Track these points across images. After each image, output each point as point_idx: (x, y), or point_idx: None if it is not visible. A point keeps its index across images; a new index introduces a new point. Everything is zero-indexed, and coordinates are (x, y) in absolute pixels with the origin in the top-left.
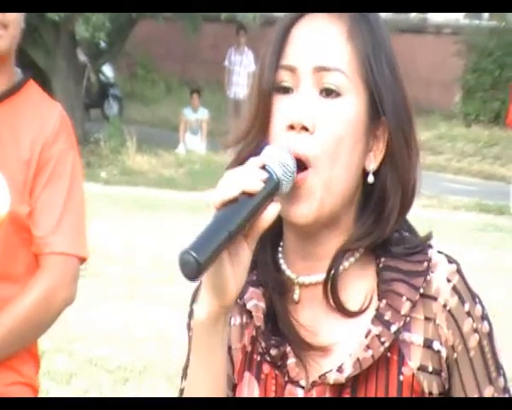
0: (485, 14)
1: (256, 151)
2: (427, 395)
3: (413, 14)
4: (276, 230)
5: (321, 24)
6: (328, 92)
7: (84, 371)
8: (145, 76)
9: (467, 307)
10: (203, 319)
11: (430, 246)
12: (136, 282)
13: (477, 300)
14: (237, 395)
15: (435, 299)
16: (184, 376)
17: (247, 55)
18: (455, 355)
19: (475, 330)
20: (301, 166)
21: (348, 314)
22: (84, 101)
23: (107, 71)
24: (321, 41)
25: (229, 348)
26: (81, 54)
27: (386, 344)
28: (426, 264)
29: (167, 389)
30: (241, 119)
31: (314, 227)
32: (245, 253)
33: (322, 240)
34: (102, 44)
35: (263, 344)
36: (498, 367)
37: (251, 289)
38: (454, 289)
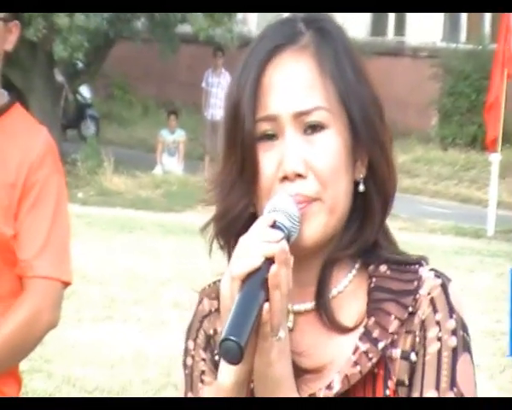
0: (462, 38)
1: (249, 204)
2: None
3: (390, 37)
4: None
5: (289, 65)
6: (313, 129)
7: (63, 391)
8: (122, 97)
9: (438, 316)
10: (231, 385)
11: (421, 264)
12: (114, 302)
13: (454, 316)
14: None
15: (416, 313)
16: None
17: (224, 77)
18: (414, 358)
19: (439, 339)
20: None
21: (344, 331)
22: (61, 121)
23: (85, 91)
24: (295, 85)
25: None
26: (58, 74)
27: (374, 360)
28: (416, 283)
29: None
30: (221, 173)
31: (314, 248)
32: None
33: (309, 265)
34: (80, 65)
35: None
36: (452, 385)
37: None
38: (431, 300)
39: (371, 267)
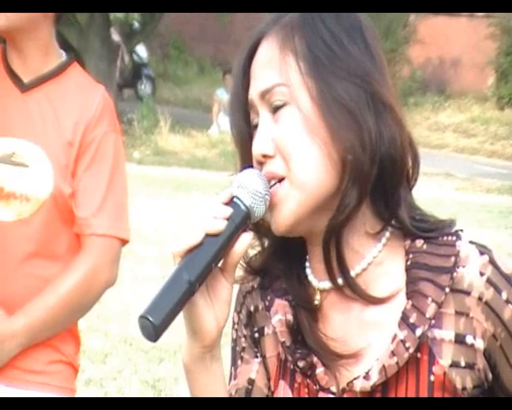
0: None
1: None
2: (459, 392)
3: None
4: (300, 242)
5: (262, 49)
6: (277, 108)
7: (120, 350)
8: (178, 57)
9: (504, 295)
10: (188, 362)
11: (459, 237)
12: (169, 261)
13: None
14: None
15: (468, 294)
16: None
17: None
18: (498, 343)
19: None
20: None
21: (375, 302)
22: (117, 81)
23: (141, 51)
24: (260, 67)
25: (264, 357)
26: (115, 34)
27: (411, 350)
28: (453, 259)
29: None
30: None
31: (307, 229)
32: (224, 287)
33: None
34: (136, 25)
35: (289, 358)
36: None
37: (277, 301)
38: (488, 281)
39: (407, 242)
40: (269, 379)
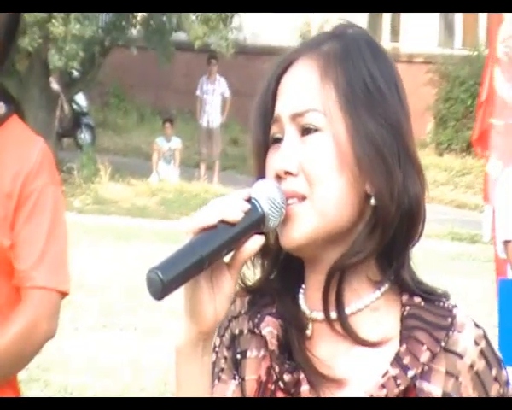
0: (458, 43)
1: None
2: None
3: (385, 43)
4: (299, 268)
5: (299, 71)
6: (308, 131)
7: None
8: (118, 105)
9: (494, 372)
10: (181, 346)
11: (455, 306)
12: (110, 311)
13: (502, 365)
14: None
15: (461, 357)
16: None
17: (219, 84)
18: None
19: (502, 396)
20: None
21: (365, 344)
22: (56, 130)
23: (80, 100)
24: (296, 88)
25: (243, 380)
26: (54, 83)
27: (402, 387)
28: (450, 320)
29: None
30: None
31: (315, 254)
32: (227, 282)
33: (322, 271)
34: (75, 74)
35: (276, 369)
36: None
37: (268, 318)
38: (482, 352)
39: (405, 296)
40: None
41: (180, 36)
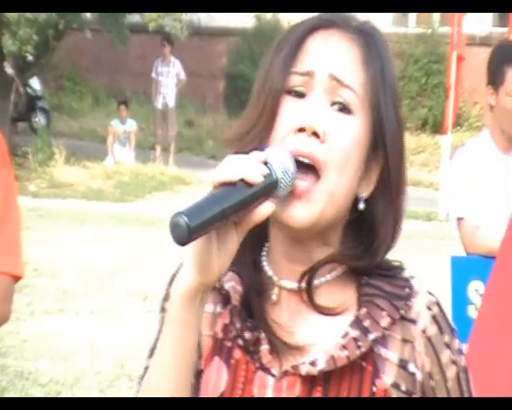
0: (412, 22)
1: (258, 149)
2: None
3: None
4: (258, 231)
5: (338, 41)
6: (340, 107)
7: (17, 385)
8: (73, 88)
9: (446, 338)
10: (182, 293)
11: (412, 277)
12: (66, 294)
13: (455, 334)
14: (204, 380)
15: (414, 322)
16: (151, 355)
17: (173, 65)
18: (432, 383)
19: (453, 362)
20: (304, 170)
21: (326, 313)
22: (11, 114)
23: (35, 84)
24: (339, 55)
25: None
26: (8, 67)
27: (363, 349)
28: (408, 290)
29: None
30: (242, 119)
31: (307, 234)
32: (233, 241)
33: (311, 247)
34: (29, 58)
35: (238, 325)
36: None
37: (230, 273)
38: (434, 318)
39: (365, 278)
40: (199, 358)
41: (134, 18)
